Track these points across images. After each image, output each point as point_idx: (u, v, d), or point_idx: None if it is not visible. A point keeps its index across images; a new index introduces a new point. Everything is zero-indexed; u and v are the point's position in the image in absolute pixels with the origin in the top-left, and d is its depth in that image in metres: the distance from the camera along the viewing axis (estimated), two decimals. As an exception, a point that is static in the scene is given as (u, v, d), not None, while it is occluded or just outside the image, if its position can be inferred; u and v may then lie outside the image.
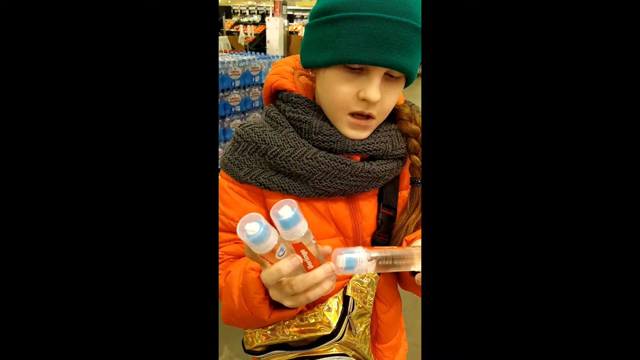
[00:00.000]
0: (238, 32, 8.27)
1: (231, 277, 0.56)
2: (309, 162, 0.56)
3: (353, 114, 0.55)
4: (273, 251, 0.41)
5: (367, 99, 0.52)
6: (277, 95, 0.63)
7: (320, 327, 0.58)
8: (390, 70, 0.52)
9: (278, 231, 0.41)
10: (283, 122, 0.59)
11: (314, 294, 0.45)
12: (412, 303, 2.17)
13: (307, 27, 0.57)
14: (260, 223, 0.38)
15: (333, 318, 0.58)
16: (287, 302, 0.47)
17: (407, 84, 0.57)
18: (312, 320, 0.58)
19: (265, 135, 0.58)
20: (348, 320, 0.60)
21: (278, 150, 0.56)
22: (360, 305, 0.61)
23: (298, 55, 0.64)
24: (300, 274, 0.44)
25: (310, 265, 0.43)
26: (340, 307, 0.60)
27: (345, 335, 0.59)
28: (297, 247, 0.42)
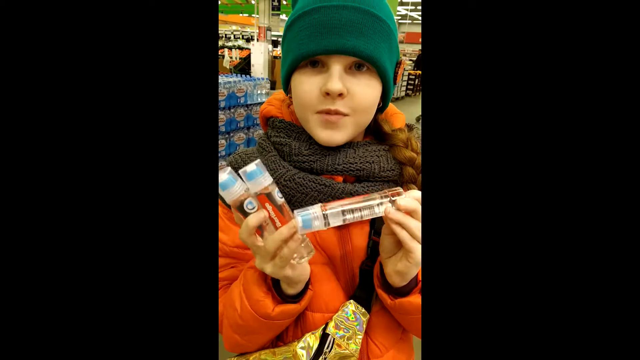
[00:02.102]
0: (223, 56, 8.38)
1: (231, 291, 0.56)
2: (287, 183, 0.54)
3: (321, 113, 0.52)
4: (241, 202, 0.44)
5: (329, 91, 0.49)
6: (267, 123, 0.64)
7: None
8: (351, 59, 0.50)
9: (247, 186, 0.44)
10: (268, 147, 0.59)
11: (284, 255, 0.45)
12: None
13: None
14: (229, 173, 0.43)
15: (305, 357, 0.54)
16: (267, 269, 0.47)
17: (383, 80, 0.54)
18: (281, 357, 0.55)
19: (250, 160, 0.56)
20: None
21: None
22: (343, 347, 0.55)
23: None
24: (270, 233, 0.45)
25: (278, 223, 0.45)
26: (316, 345, 0.55)
27: None
28: (262, 201, 0.44)
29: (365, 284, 0.58)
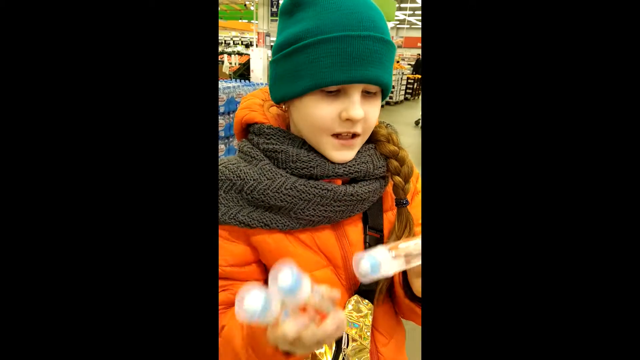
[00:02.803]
0: (222, 62, 8.41)
1: (229, 331, 0.53)
2: (288, 192, 0.54)
3: (337, 135, 0.54)
4: (276, 319, 0.38)
5: (352, 118, 0.51)
6: (248, 130, 0.61)
7: None
8: (367, 87, 0.52)
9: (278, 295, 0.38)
10: (257, 155, 0.57)
11: (327, 342, 0.43)
12: (409, 334, 2.12)
13: (272, 62, 0.56)
14: (261, 295, 0.36)
15: (325, 358, 0.54)
16: (299, 352, 0.44)
17: (383, 97, 0.57)
18: None
19: (240, 170, 0.56)
20: (343, 358, 0.56)
21: (255, 185, 0.54)
22: (357, 340, 0.57)
23: (266, 88, 0.63)
24: (309, 329, 0.41)
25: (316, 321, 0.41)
26: (334, 344, 0.56)
27: None
28: (303, 308, 0.39)
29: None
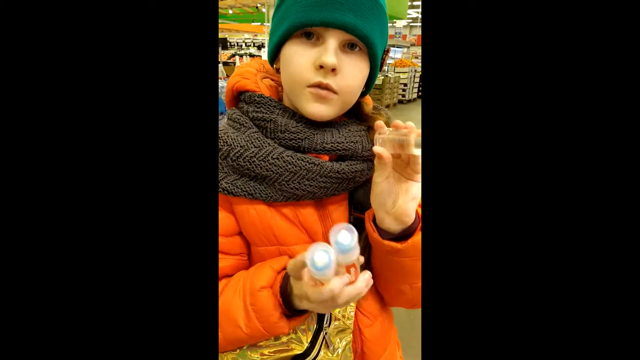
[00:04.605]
0: (234, 63, 8.49)
1: (226, 303, 0.52)
2: (275, 162, 0.52)
3: (312, 87, 0.51)
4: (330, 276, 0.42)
5: (323, 64, 0.49)
6: (239, 98, 0.60)
7: (293, 346, 0.54)
8: (346, 38, 0.50)
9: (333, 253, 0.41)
10: (246, 123, 0.56)
11: (355, 300, 0.45)
12: (409, 323, 2.11)
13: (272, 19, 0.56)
14: (328, 255, 0.39)
15: (307, 335, 0.54)
16: (321, 311, 0.46)
17: (372, 63, 0.54)
18: (285, 339, 0.54)
19: (227, 137, 0.55)
20: (324, 337, 0.55)
21: (241, 152, 0.53)
22: (339, 320, 0.57)
23: (262, 59, 0.64)
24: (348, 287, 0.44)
25: (352, 278, 0.44)
26: (315, 322, 0.55)
27: (322, 354, 0.55)
28: (348, 267, 0.43)
29: None
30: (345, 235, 0.41)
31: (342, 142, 0.55)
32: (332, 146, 0.55)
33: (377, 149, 0.47)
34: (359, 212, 0.59)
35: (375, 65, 0.54)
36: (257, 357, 0.55)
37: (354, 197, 0.59)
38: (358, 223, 0.58)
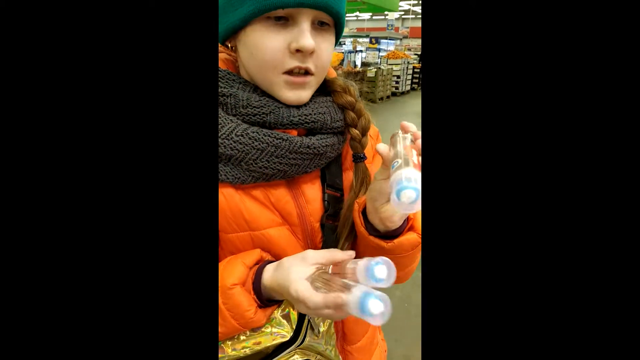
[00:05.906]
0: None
1: None
2: (239, 139, 0.49)
3: (289, 73, 0.49)
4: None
5: (302, 48, 0.46)
6: None
7: (278, 332, 0.52)
8: (318, 15, 0.47)
9: (359, 275, 0.41)
10: None
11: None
12: (405, 313, 2.13)
13: None
14: (385, 305, 0.38)
15: (291, 322, 0.53)
16: (301, 310, 0.45)
17: (337, 35, 0.52)
18: (268, 330, 0.52)
19: None
20: (309, 321, 0.54)
21: None
22: None
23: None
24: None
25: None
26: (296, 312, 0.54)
27: (307, 339, 0.53)
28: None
29: (329, 240, 0.56)
30: (382, 270, 0.40)
31: (310, 114, 0.52)
32: (299, 119, 0.51)
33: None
34: (332, 189, 0.57)
35: (339, 37, 0.53)
36: (236, 351, 0.53)
37: (326, 173, 0.57)
38: (332, 201, 0.56)
